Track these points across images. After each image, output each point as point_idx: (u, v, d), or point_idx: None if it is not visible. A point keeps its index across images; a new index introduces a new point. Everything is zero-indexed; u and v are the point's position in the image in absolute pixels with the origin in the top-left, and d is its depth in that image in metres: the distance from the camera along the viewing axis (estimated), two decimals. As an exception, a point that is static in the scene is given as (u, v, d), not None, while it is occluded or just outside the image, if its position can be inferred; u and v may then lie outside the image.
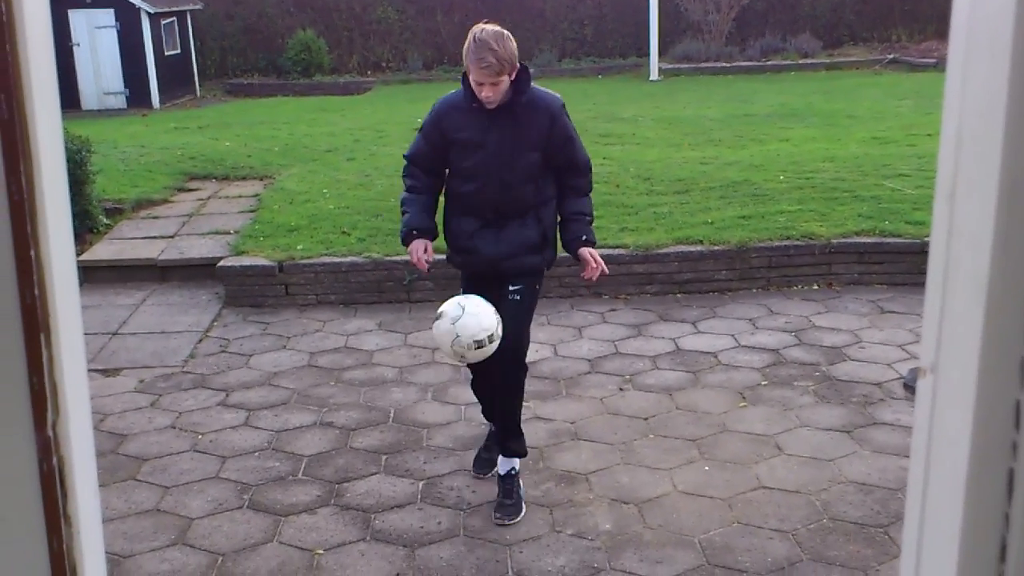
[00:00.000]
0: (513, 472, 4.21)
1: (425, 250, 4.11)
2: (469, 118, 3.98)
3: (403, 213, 4.21)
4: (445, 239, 4.25)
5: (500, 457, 4.25)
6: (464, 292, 4.15)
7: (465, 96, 3.98)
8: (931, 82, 16.20)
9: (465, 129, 4.00)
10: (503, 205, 4.03)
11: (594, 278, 4.14)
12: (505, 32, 3.84)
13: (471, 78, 3.86)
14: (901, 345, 5.87)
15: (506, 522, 4.06)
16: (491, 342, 3.86)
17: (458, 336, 3.81)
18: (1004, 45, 0.71)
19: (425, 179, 4.17)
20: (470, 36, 3.83)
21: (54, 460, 0.72)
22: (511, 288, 4.11)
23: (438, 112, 4.10)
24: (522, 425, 4.29)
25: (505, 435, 4.23)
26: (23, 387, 0.71)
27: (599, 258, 4.11)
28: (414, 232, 4.12)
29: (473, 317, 3.83)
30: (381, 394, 5.40)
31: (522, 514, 4.11)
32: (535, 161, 4.01)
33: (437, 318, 3.90)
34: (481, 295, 4.07)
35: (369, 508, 4.21)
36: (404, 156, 4.26)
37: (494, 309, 3.91)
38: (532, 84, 3.99)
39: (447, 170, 4.17)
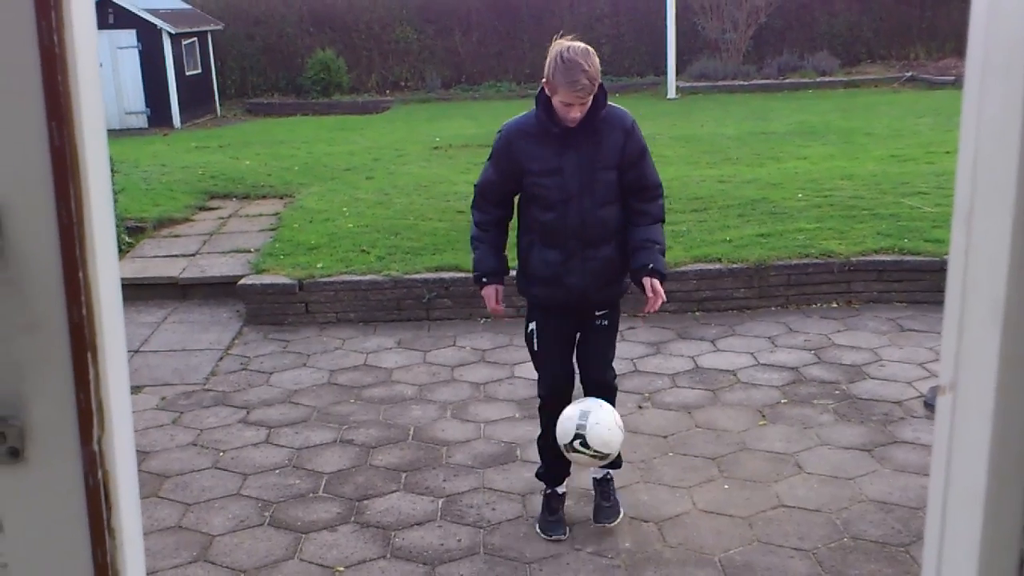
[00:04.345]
0: (609, 477, 4.24)
1: (497, 299, 3.98)
2: (543, 144, 3.79)
3: (473, 252, 4.05)
4: (522, 272, 4.03)
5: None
6: (538, 325, 4.03)
7: (538, 120, 3.78)
8: (950, 99, 16.17)
9: (539, 156, 3.80)
10: (586, 232, 3.83)
11: (653, 309, 3.92)
12: (590, 48, 3.63)
13: (559, 99, 3.65)
14: (921, 363, 5.85)
15: (607, 524, 4.10)
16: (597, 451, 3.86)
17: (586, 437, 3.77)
18: (1019, 69, 0.73)
19: (495, 212, 4.00)
20: (555, 55, 3.62)
21: (99, 474, 0.75)
22: (597, 314, 4.00)
23: (508, 139, 3.88)
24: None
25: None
26: (71, 403, 0.74)
27: (660, 291, 3.84)
28: (484, 279, 3.98)
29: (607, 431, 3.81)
30: (400, 412, 5.42)
31: (621, 516, 4.15)
32: (613, 180, 3.82)
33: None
34: (558, 327, 3.99)
35: (389, 525, 4.23)
36: (474, 185, 4.06)
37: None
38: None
39: (521, 197, 3.96)
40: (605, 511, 4.16)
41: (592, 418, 3.77)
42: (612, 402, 4.20)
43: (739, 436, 4.97)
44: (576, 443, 3.76)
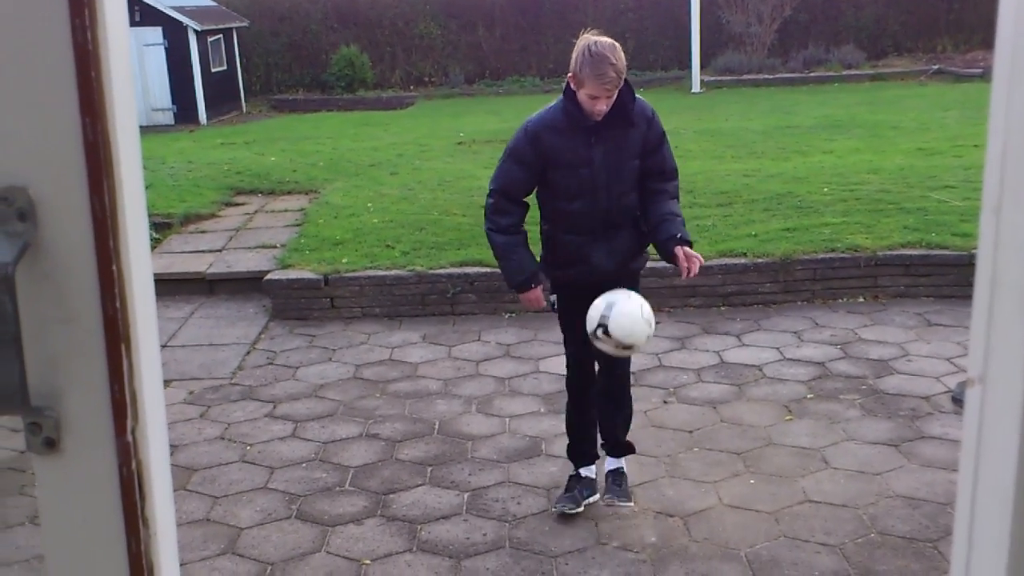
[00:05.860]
0: (622, 470, 4.30)
1: (543, 296, 4.01)
2: (571, 137, 3.84)
3: (507, 259, 4.01)
4: (545, 258, 4.09)
5: (608, 457, 4.31)
6: (560, 297, 4.10)
7: (566, 114, 3.83)
8: (977, 92, 16.01)
9: (568, 149, 3.85)
10: (612, 217, 3.94)
11: (694, 272, 3.81)
12: (616, 43, 3.72)
13: (586, 92, 3.71)
14: (949, 358, 5.80)
15: (617, 503, 4.16)
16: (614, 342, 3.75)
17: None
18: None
19: (519, 211, 4.00)
20: (582, 49, 3.69)
21: (133, 464, 0.76)
22: None
23: (534, 135, 3.89)
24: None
25: (620, 435, 4.29)
26: (105, 394, 0.75)
27: (693, 253, 3.81)
28: (532, 283, 3.98)
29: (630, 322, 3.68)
30: (426, 406, 5.44)
31: (632, 503, 4.22)
32: (636, 167, 3.93)
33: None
34: (580, 307, 3.90)
35: (415, 519, 4.25)
36: (492, 188, 3.99)
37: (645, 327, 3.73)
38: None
39: (545, 190, 3.99)
40: (616, 492, 4.21)
41: (616, 308, 3.67)
42: (626, 394, 4.26)
43: (765, 431, 4.96)
44: (599, 331, 3.69)
